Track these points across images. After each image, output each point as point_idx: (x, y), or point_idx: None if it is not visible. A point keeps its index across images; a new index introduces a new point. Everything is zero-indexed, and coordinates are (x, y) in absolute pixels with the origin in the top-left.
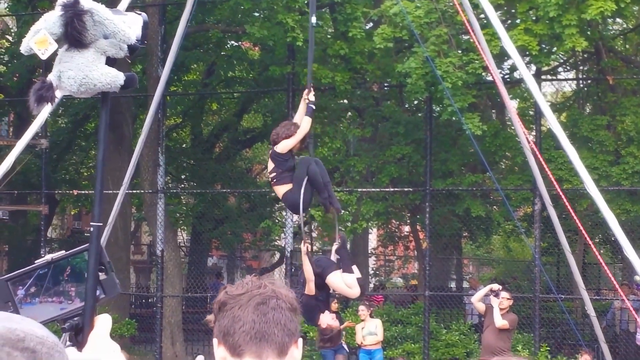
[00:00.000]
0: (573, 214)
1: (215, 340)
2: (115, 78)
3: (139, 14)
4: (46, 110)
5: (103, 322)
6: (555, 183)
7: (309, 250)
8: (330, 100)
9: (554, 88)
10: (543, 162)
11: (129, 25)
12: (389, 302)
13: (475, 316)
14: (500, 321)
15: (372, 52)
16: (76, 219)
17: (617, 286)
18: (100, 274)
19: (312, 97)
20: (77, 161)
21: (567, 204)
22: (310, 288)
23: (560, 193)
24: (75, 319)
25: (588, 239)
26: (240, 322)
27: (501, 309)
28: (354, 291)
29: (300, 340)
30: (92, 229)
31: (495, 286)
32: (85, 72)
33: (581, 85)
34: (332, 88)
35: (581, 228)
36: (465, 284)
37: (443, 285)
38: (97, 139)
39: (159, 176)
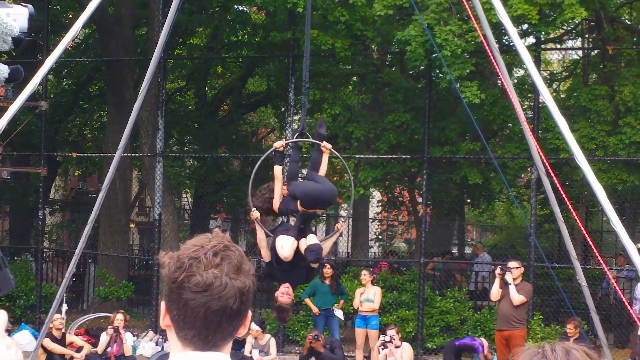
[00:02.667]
0: (559, 186)
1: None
2: None
3: (25, 6)
4: (42, 72)
5: None
6: (543, 156)
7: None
8: (332, 67)
9: (560, 56)
10: (533, 139)
11: (14, 18)
12: (384, 268)
13: (472, 283)
14: (517, 298)
15: (373, 19)
16: (81, 180)
17: (600, 259)
18: None
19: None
20: (80, 123)
21: (554, 177)
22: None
23: (549, 167)
24: None
25: (572, 209)
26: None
27: (515, 279)
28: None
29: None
30: None
31: (497, 270)
32: None
33: (583, 55)
34: (332, 55)
35: (566, 199)
36: (468, 250)
37: (445, 250)
38: (99, 101)
39: (158, 140)
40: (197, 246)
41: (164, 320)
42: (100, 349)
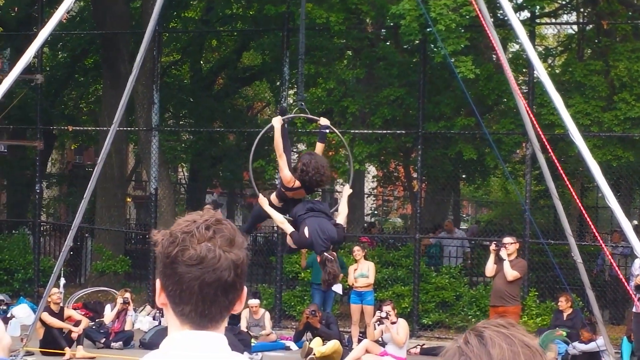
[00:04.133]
0: (555, 161)
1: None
2: None
3: None
4: (36, 45)
5: None
6: (540, 132)
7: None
8: (326, 41)
9: (555, 30)
10: (530, 113)
11: None
12: (380, 243)
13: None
14: (511, 273)
15: None
16: (78, 153)
17: (596, 235)
18: None
19: (324, 122)
20: (76, 96)
21: (551, 152)
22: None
23: (545, 142)
24: None
25: (569, 185)
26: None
27: (509, 255)
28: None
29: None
30: None
31: (492, 246)
32: None
33: (578, 30)
34: (327, 29)
35: (563, 175)
36: (464, 225)
37: (438, 224)
38: (95, 74)
39: (153, 114)
40: (189, 221)
41: (160, 298)
42: (107, 319)
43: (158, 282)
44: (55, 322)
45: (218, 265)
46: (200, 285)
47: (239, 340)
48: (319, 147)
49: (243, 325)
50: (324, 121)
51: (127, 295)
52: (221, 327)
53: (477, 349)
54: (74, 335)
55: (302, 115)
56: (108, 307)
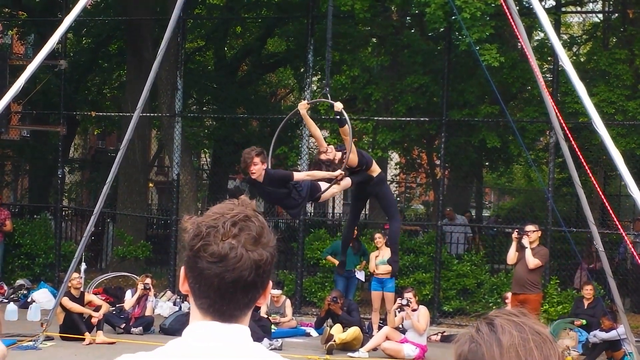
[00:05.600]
0: (577, 150)
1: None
2: None
3: None
4: (60, 31)
5: None
6: (562, 121)
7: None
8: (351, 28)
9: (580, 18)
10: (552, 103)
11: None
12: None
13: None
14: (532, 261)
15: None
16: (100, 139)
17: (617, 224)
18: None
19: (337, 108)
20: (99, 82)
21: (572, 141)
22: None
23: (567, 131)
24: None
25: (591, 174)
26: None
27: (531, 243)
28: None
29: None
30: None
31: (514, 233)
32: None
33: (603, 18)
34: (351, 16)
35: (584, 164)
36: (486, 212)
37: (462, 212)
38: (119, 60)
39: (176, 100)
40: (218, 214)
41: (183, 286)
42: (127, 305)
43: (182, 270)
44: (75, 307)
45: (239, 265)
46: (219, 283)
47: (259, 326)
48: (341, 132)
49: (263, 311)
50: (337, 107)
51: (148, 280)
52: (243, 321)
53: (488, 336)
54: (94, 320)
55: (324, 100)
56: (129, 292)
